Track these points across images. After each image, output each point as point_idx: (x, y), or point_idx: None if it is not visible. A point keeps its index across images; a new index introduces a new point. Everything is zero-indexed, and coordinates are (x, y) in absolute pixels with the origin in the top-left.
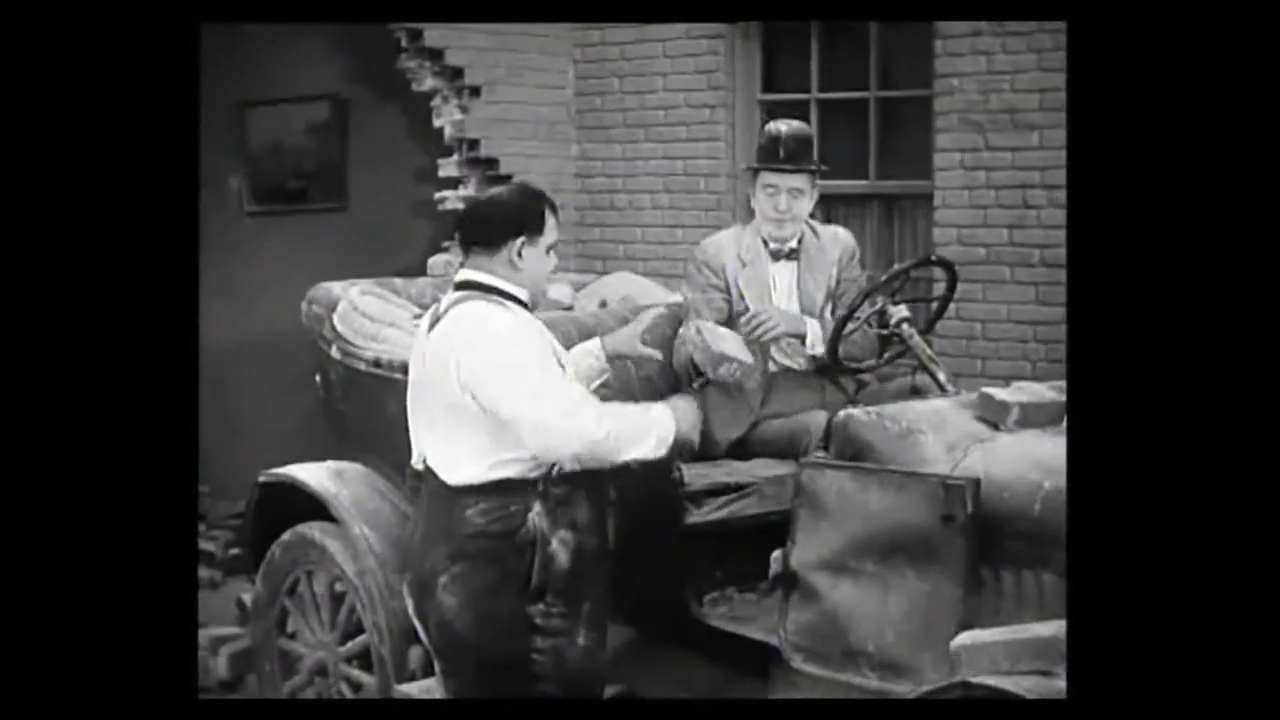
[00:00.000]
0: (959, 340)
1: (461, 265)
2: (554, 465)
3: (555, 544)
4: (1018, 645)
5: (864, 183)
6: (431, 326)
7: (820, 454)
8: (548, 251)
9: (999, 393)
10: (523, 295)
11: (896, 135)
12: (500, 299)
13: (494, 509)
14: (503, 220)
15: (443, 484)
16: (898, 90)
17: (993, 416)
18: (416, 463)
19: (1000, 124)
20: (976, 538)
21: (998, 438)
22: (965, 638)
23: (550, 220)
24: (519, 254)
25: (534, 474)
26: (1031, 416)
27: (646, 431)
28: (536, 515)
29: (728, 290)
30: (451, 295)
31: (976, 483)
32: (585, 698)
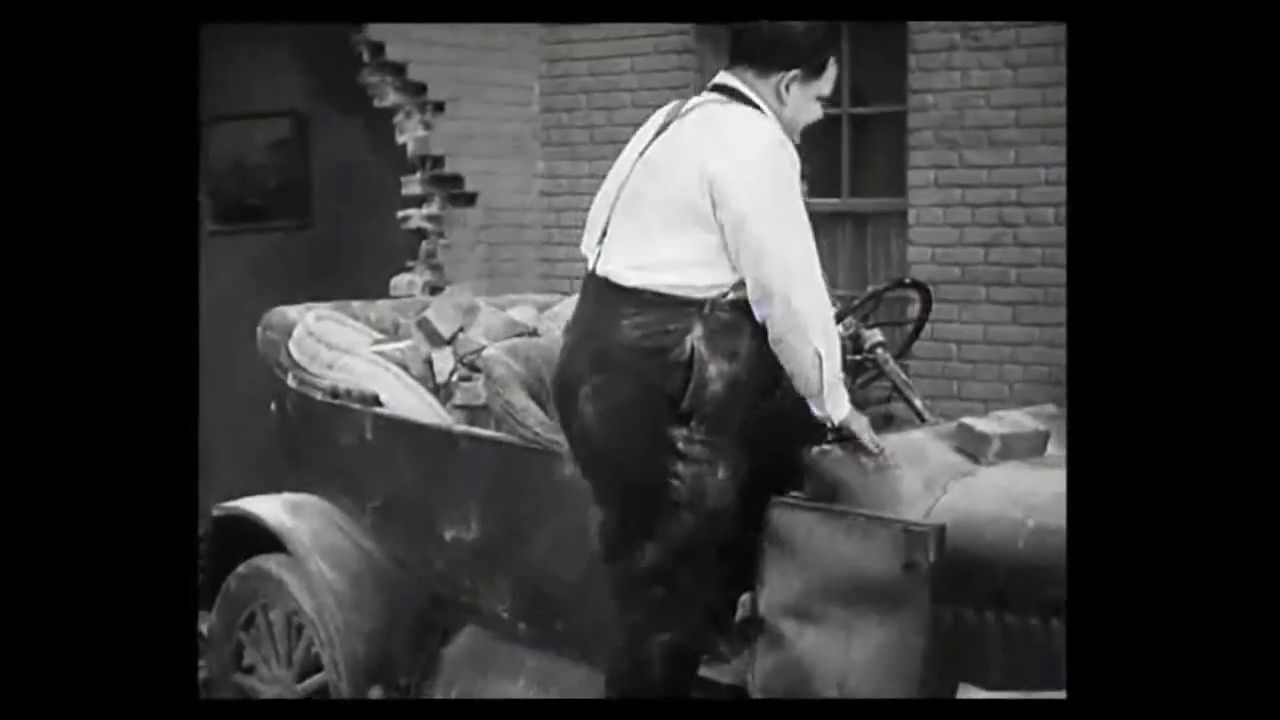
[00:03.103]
0: (934, 362)
1: (722, 72)
2: (729, 290)
3: (712, 370)
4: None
5: (836, 201)
6: (662, 129)
7: (794, 493)
8: (816, 100)
9: (978, 423)
10: (783, 126)
11: (869, 152)
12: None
13: (652, 324)
14: (787, 47)
15: (606, 286)
16: (871, 106)
17: (972, 449)
18: (588, 254)
19: (975, 141)
20: (941, 585)
21: (978, 472)
22: (964, 693)
23: (831, 71)
24: (786, 87)
25: (703, 295)
26: (1012, 448)
27: (830, 382)
28: (696, 338)
29: None
30: (702, 97)
31: (940, 529)
32: (717, 541)
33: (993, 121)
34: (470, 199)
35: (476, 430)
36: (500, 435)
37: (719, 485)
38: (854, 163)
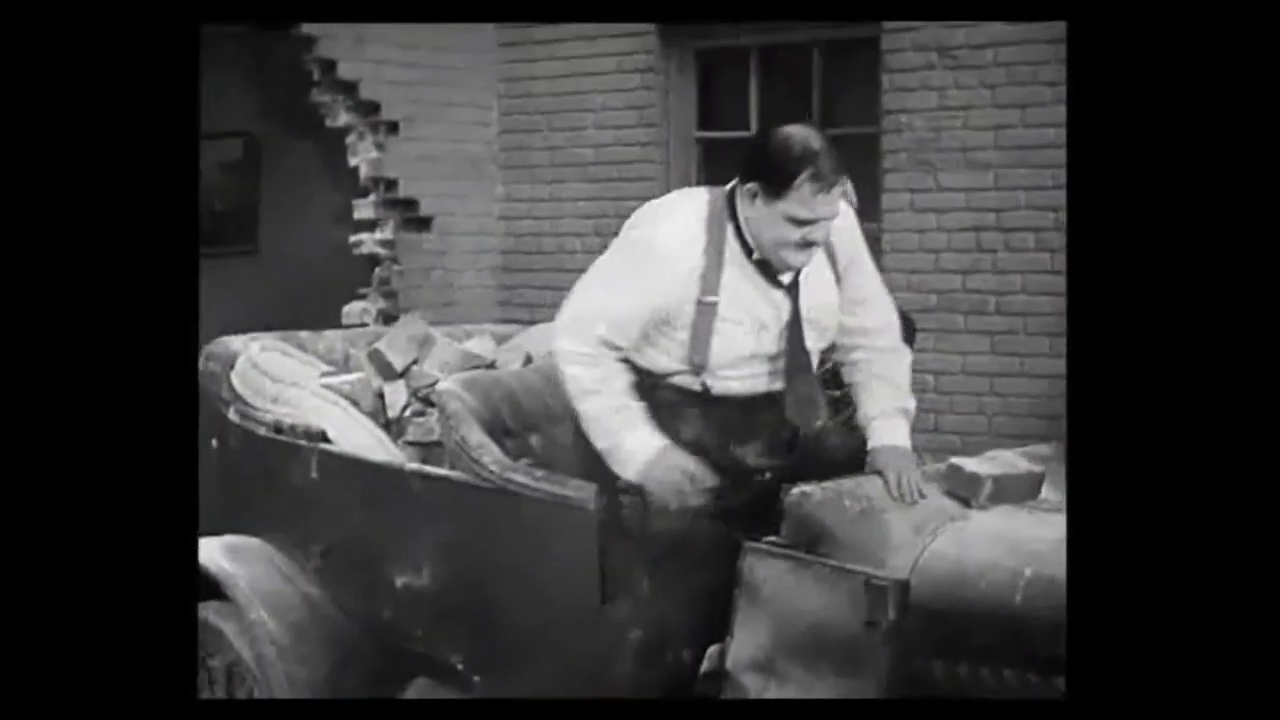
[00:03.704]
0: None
1: None
2: (669, 374)
3: None
4: None
5: None
6: None
7: (771, 538)
8: (789, 221)
9: (969, 464)
10: (750, 240)
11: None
12: (726, 209)
13: None
14: (751, 156)
15: None
16: (843, 128)
17: (963, 491)
18: None
19: (952, 163)
20: (929, 639)
21: (970, 516)
22: None
23: (804, 190)
24: (751, 197)
25: (650, 369)
26: (1005, 491)
27: (609, 441)
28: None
29: None
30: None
31: (903, 585)
32: (682, 570)
33: (970, 143)
34: (425, 223)
35: (429, 469)
36: (455, 474)
37: (664, 512)
38: None
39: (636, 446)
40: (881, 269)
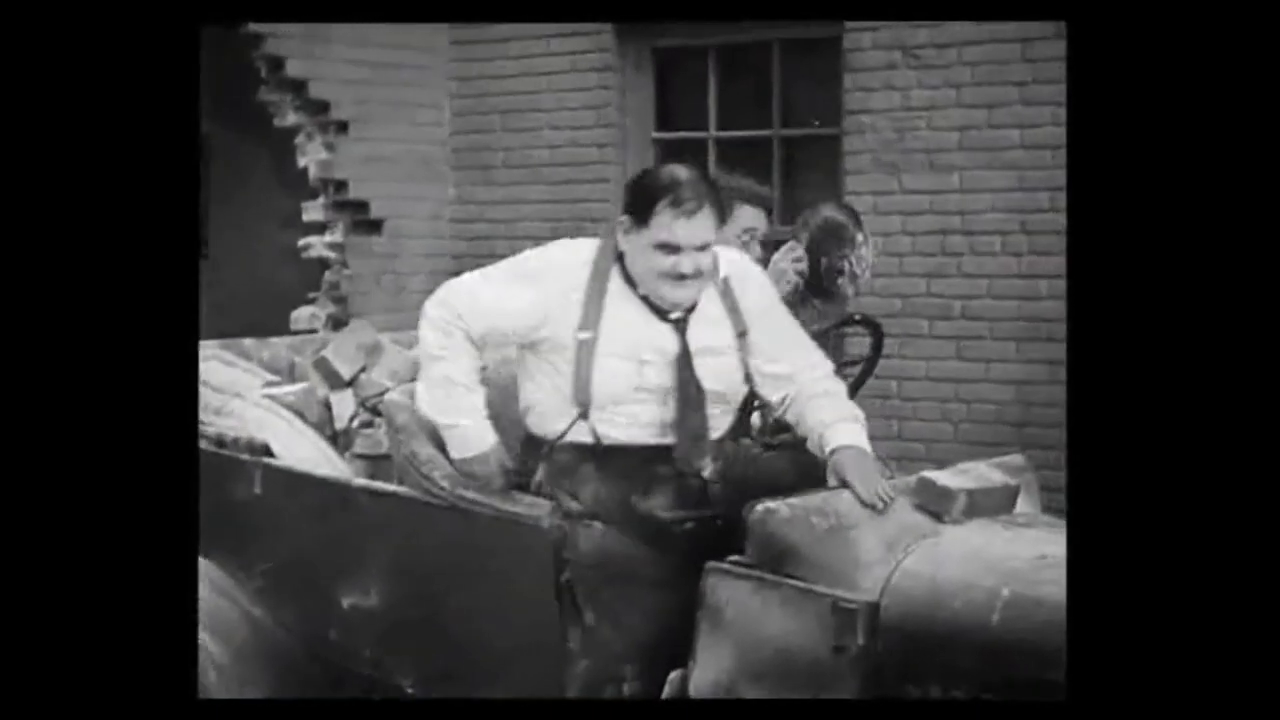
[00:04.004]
0: (872, 400)
1: None
2: (561, 433)
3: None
4: None
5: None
6: None
7: (734, 558)
8: (656, 249)
9: (941, 477)
10: (632, 274)
11: (803, 177)
12: (615, 248)
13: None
14: (627, 190)
15: None
16: (804, 128)
17: (935, 506)
18: None
19: (916, 165)
20: (902, 663)
21: (943, 532)
22: None
23: (664, 216)
24: (625, 232)
25: (541, 433)
26: (980, 505)
27: (448, 419)
28: (542, 479)
29: None
30: None
31: (873, 608)
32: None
33: (934, 144)
34: (376, 226)
35: (377, 484)
36: (404, 490)
37: (590, 532)
38: (786, 188)
39: (471, 435)
40: None
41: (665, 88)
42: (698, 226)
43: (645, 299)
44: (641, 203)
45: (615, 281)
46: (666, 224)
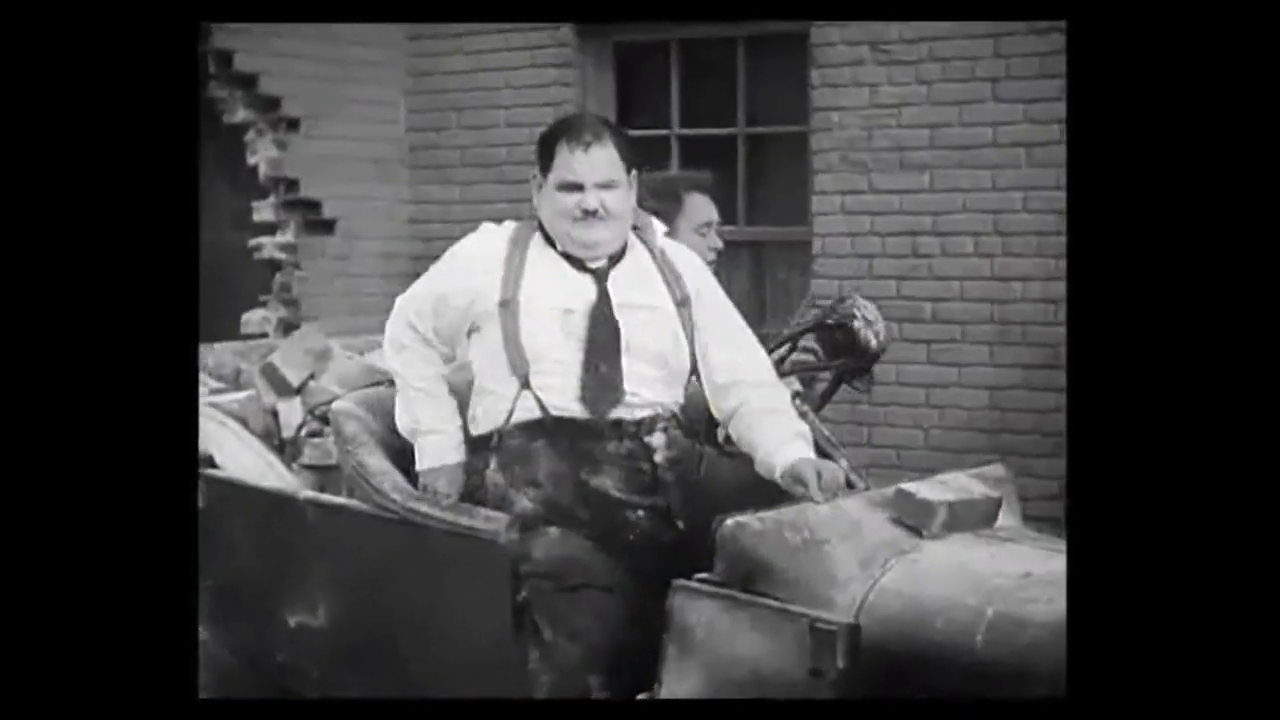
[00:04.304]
0: (841, 405)
1: None
2: (509, 414)
3: (517, 506)
4: None
5: (731, 229)
6: None
7: (702, 575)
8: (560, 190)
9: (920, 489)
10: (548, 231)
11: (768, 176)
12: (535, 221)
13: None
14: (536, 145)
15: None
16: (769, 125)
17: (914, 520)
18: None
19: (886, 164)
20: (880, 684)
21: (922, 547)
22: None
23: (563, 153)
24: (537, 189)
25: (490, 427)
26: (961, 519)
27: (415, 428)
28: (493, 472)
29: None
30: None
31: (854, 629)
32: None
33: (905, 142)
34: (329, 226)
35: (325, 497)
36: (353, 503)
37: (545, 540)
38: (751, 187)
39: (433, 452)
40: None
41: (626, 84)
42: (597, 160)
43: (565, 255)
44: (545, 149)
45: (535, 245)
46: (566, 161)
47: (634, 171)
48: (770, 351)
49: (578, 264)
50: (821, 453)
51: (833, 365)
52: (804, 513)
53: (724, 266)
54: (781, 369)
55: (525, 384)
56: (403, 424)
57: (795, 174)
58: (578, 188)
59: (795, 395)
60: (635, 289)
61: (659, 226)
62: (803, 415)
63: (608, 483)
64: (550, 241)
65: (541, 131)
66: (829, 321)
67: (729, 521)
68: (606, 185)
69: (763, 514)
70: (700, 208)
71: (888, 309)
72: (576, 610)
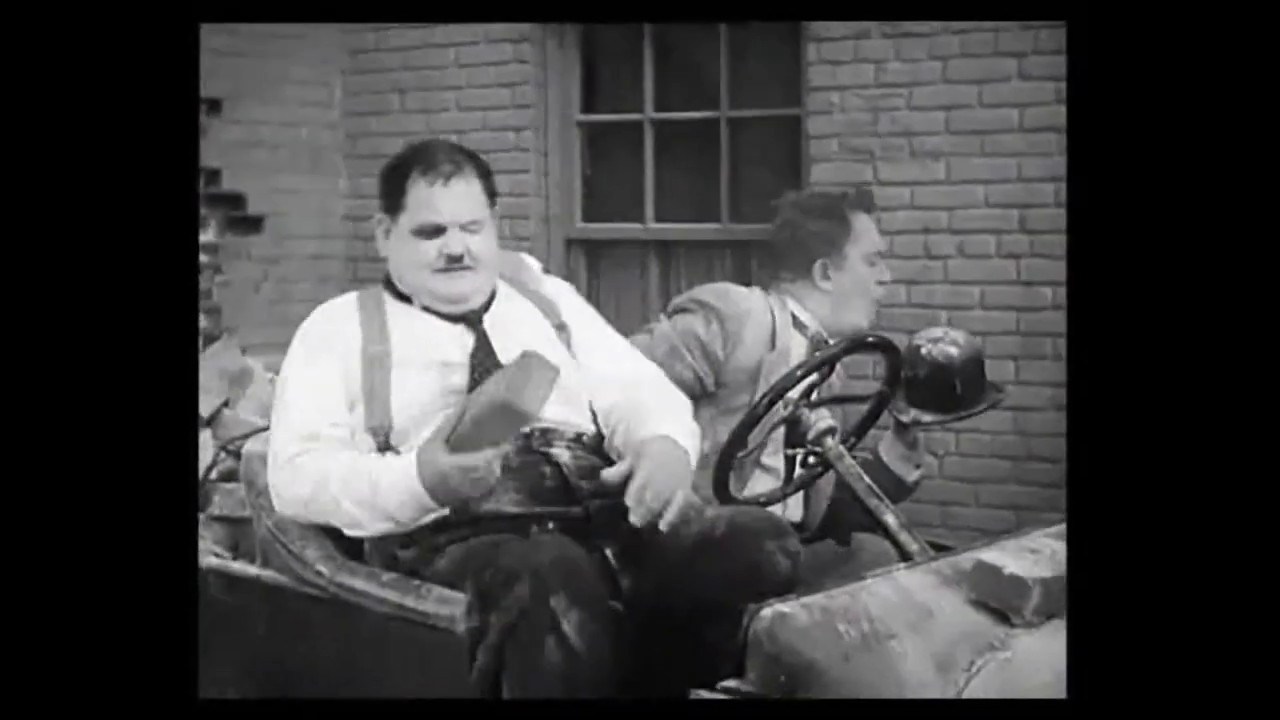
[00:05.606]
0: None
1: None
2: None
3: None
4: None
5: (714, 227)
6: None
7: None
8: (414, 236)
9: (1005, 562)
10: (400, 286)
11: (756, 166)
12: (382, 282)
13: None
14: (378, 183)
15: None
16: (757, 108)
17: (1001, 603)
18: None
19: (894, 152)
20: None
21: (1017, 641)
22: None
23: (419, 188)
24: (385, 235)
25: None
26: (1056, 599)
27: (367, 497)
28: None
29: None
30: None
31: None
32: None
33: (916, 126)
34: (255, 224)
35: (233, 567)
36: (268, 574)
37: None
38: (735, 179)
39: (400, 477)
40: None
41: (594, 63)
42: (459, 195)
43: (426, 309)
44: (392, 185)
45: (391, 305)
46: (422, 198)
47: (496, 207)
48: (798, 380)
49: (446, 317)
50: (857, 501)
51: (868, 395)
52: (859, 596)
53: (704, 267)
54: (810, 400)
55: (382, 444)
56: (368, 517)
57: (788, 164)
58: (438, 230)
59: (827, 432)
60: (512, 330)
61: (533, 263)
62: (839, 458)
63: (505, 500)
64: (404, 297)
65: (384, 167)
66: (869, 340)
67: (764, 612)
68: (471, 226)
69: (806, 600)
70: (868, 232)
71: (896, 317)
72: (533, 672)
